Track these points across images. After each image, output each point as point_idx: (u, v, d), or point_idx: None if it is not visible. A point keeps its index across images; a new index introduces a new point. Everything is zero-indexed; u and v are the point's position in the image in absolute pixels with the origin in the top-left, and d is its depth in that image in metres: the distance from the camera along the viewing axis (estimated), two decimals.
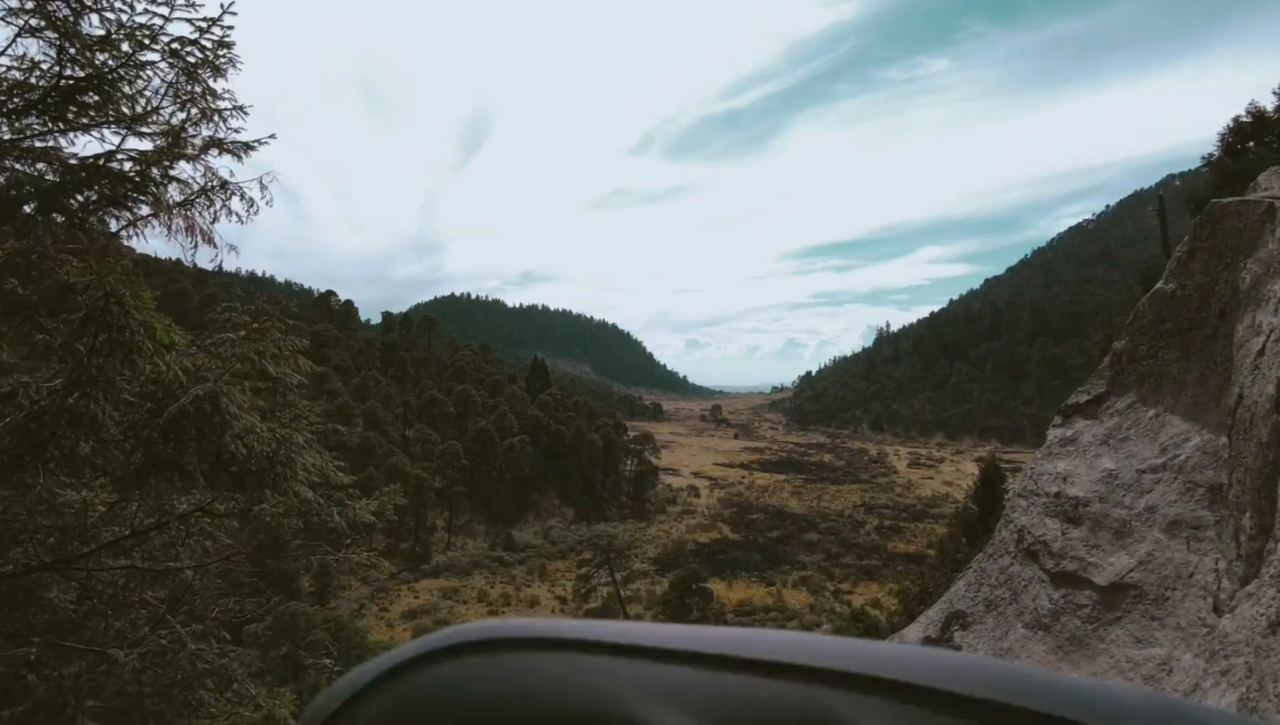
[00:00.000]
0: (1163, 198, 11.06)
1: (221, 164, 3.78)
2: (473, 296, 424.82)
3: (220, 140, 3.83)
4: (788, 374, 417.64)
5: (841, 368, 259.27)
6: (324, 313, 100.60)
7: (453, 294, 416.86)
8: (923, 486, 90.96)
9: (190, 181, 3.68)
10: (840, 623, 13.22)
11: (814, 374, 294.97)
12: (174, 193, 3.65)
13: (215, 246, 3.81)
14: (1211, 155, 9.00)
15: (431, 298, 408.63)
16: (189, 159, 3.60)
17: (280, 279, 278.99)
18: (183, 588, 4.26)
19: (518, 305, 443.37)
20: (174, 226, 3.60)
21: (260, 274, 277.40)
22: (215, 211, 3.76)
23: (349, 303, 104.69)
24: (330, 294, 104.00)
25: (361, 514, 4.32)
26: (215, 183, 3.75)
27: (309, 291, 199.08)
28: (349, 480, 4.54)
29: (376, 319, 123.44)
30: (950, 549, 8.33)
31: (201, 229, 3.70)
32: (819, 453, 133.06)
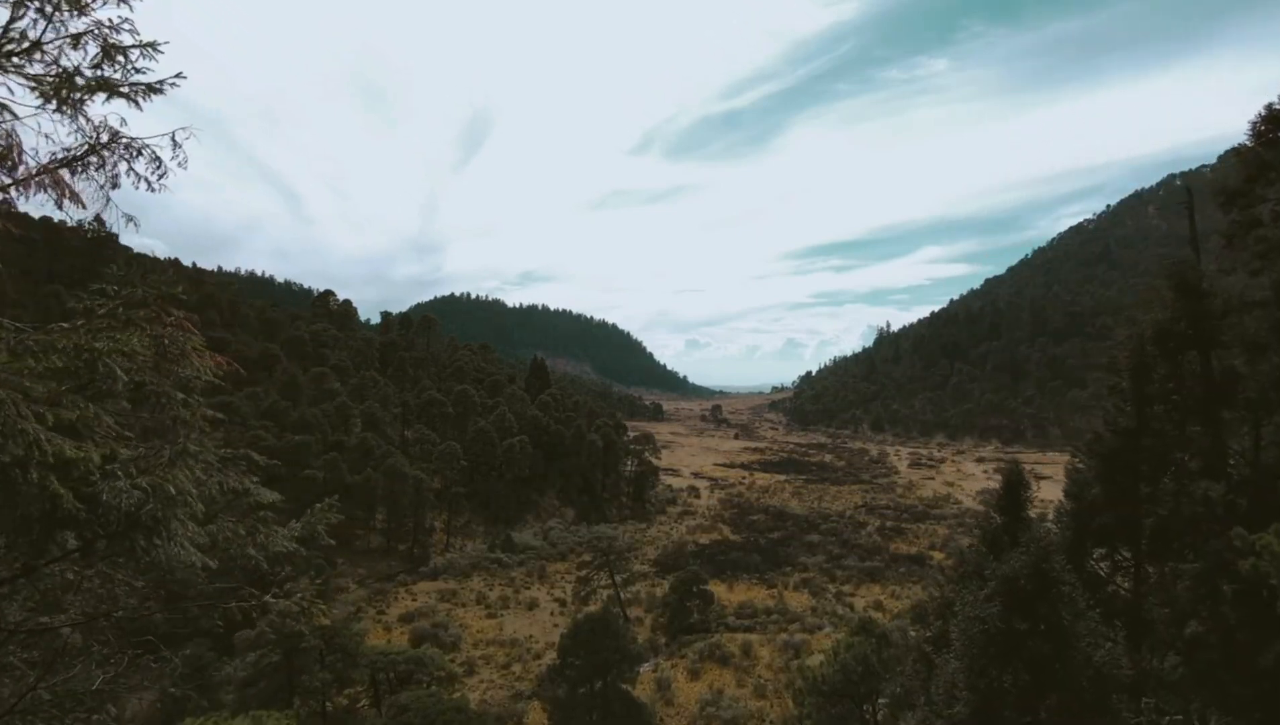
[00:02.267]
0: (1190, 190, 10.57)
1: (110, 111, 3.06)
2: (473, 296, 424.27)
3: (109, 81, 3.01)
4: (788, 374, 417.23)
5: (842, 368, 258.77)
6: (322, 312, 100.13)
7: (452, 294, 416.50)
8: (924, 487, 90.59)
9: (82, 132, 3.00)
10: (851, 641, 12.63)
11: (814, 374, 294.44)
12: (31, 142, 2.91)
13: (85, 206, 3.16)
14: (1242, 146, 8.55)
15: (431, 298, 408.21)
16: (66, 102, 2.94)
17: (280, 279, 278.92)
18: (61, 649, 3.52)
19: (518, 305, 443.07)
20: (32, 187, 2.97)
21: (260, 274, 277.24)
22: (110, 174, 3.13)
23: (347, 302, 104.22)
24: (329, 294, 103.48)
25: (280, 542, 3.60)
26: (104, 137, 2.99)
27: (309, 291, 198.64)
28: (271, 498, 3.77)
29: (376, 319, 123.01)
30: (972, 561, 7.85)
31: (70, 189, 3.03)
32: (819, 453, 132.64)
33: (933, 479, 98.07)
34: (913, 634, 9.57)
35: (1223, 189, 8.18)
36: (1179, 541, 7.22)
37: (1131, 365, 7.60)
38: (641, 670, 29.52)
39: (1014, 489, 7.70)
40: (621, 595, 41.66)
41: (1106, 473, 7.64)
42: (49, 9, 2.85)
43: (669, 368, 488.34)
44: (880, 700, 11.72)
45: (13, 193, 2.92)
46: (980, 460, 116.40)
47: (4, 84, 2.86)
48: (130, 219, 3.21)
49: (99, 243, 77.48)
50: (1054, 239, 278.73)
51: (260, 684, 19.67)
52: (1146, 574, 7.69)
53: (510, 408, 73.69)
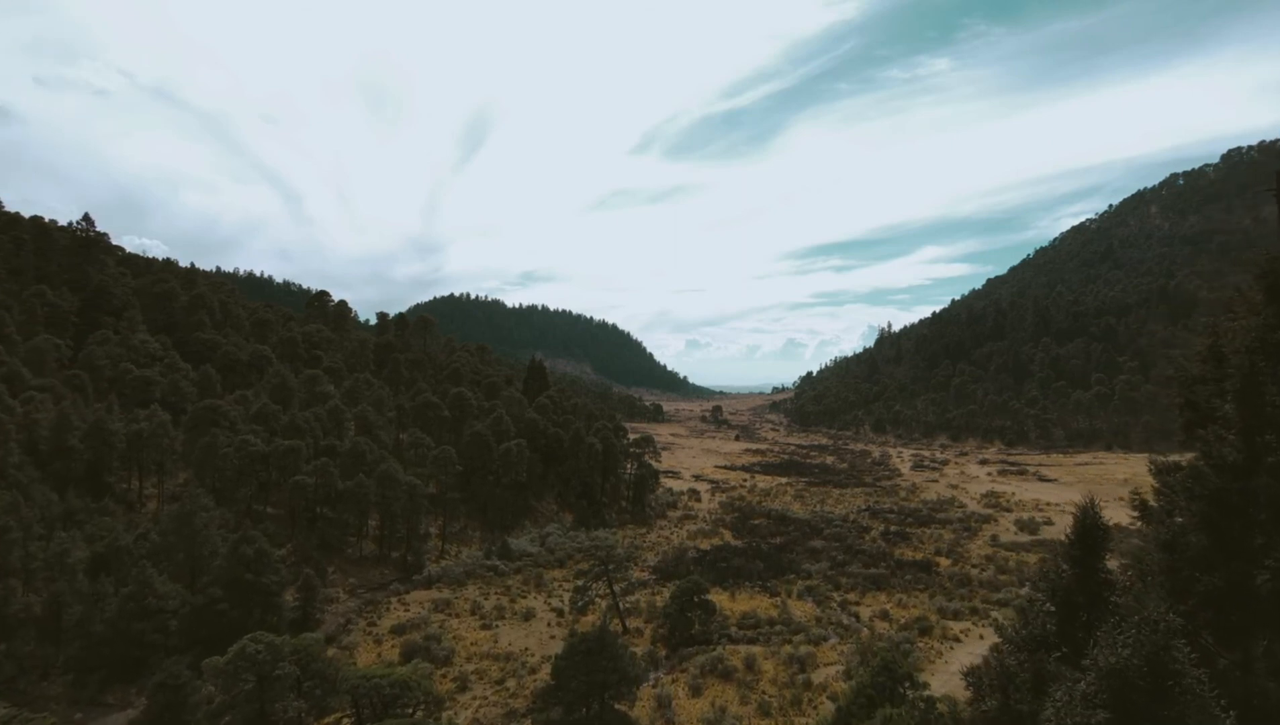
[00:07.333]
0: None
1: None
2: (472, 297, 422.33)
3: None
4: (788, 374, 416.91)
5: (843, 368, 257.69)
6: (317, 313, 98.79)
7: (452, 294, 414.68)
8: (927, 489, 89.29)
9: None
10: (890, 713, 11.01)
11: (815, 374, 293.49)
12: None
13: None
14: None
15: (431, 298, 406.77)
16: None
17: (279, 279, 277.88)
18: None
19: (517, 305, 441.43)
20: None
21: (259, 274, 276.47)
22: None
23: (343, 303, 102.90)
24: (324, 294, 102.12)
25: None
26: None
27: (308, 292, 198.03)
28: None
29: (376, 320, 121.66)
30: (1036, 623, 6.54)
31: None
32: (821, 454, 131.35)
33: (936, 481, 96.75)
34: (962, 705, 8.26)
35: None
36: None
37: (1239, 385, 6.21)
38: (641, 687, 28.27)
39: (1089, 535, 6.35)
40: (620, 605, 40.39)
41: (1210, 520, 6.26)
42: None
43: (669, 368, 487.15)
44: None
45: None
46: (984, 462, 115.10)
47: None
48: None
49: (88, 243, 76.22)
50: (1056, 239, 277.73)
51: (231, 713, 18.38)
52: (1259, 647, 6.37)
53: (508, 410, 72.38)
